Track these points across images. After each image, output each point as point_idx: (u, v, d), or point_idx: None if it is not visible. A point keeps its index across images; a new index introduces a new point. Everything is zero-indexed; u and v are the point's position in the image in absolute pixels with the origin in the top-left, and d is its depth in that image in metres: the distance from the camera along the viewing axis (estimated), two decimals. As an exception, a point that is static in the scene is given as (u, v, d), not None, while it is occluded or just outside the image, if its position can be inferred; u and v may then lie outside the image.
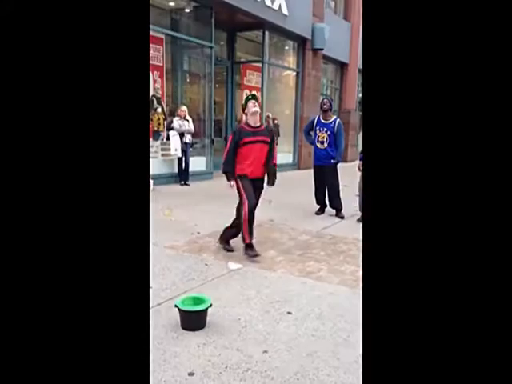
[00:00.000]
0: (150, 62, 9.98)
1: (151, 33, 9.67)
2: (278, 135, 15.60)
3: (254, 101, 5.41)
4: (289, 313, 3.74)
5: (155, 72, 10.77)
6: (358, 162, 7.56)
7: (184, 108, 10.72)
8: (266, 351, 3.09)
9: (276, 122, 15.46)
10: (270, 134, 5.55)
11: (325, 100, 8.09)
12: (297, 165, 15.75)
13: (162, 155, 10.77)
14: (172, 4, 11.92)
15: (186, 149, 10.73)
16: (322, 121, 7.86)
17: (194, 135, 11.14)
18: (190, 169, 11.03)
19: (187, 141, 10.75)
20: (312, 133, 8.02)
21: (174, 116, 10.82)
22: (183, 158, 10.82)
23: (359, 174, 7.51)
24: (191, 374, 2.76)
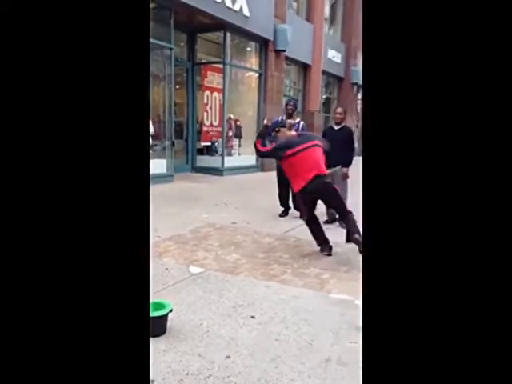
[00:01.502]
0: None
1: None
2: (241, 137, 15.59)
3: None
4: (252, 317, 3.67)
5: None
6: None
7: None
8: (228, 356, 3.01)
9: (238, 123, 15.44)
10: None
11: (290, 102, 8.01)
12: (260, 167, 15.70)
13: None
14: (131, 4, 11.78)
15: (146, 151, 10.61)
16: None
17: (153, 137, 11.02)
18: (150, 171, 10.85)
19: (148, 143, 10.63)
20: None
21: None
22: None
23: None
24: (151, 381, 2.67)
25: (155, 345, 3.12)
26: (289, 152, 5.49)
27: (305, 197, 5.63)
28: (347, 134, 7.30)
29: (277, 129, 6.12)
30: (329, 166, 7.23)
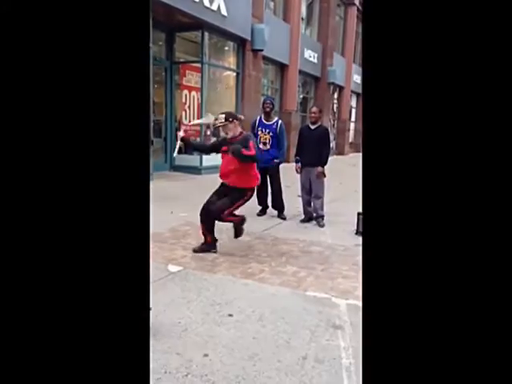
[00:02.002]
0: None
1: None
2: (219, 136, 15.53)
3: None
4: (230, 315, 3.69)
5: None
6: (294, 165, 7.59)
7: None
8: (206, 355, 3.03)
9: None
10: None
11: (267, 101, 8.01)
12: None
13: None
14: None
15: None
16: (264, 122, 7.81)
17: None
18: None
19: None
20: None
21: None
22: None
23: (298, 175, 7.60)
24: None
25: (133, 344, 3.11)
26: None
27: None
28: (323, 133, 7.36)
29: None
30: (304, 165, 7.29)
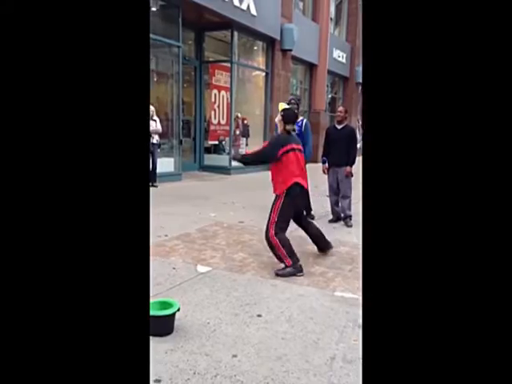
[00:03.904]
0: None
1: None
2: (248, 136, 15.57)
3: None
4: (258, 315, 3.70)
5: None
6: (322, 165, 7.56)
7: (151, 108, 10.56)
8: (235, 355, 3.04)
9: (246, 122, 15.43)
10: None
11: (292, 101, 7.92)
12: (267, 166, 15.67)
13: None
14: (139, 3, 11.78)
15: (153, 149, 10.55)
16: None
17: (161, 136, 11.01)
18: (158, 170, 10.86)
19: (155, 141, 10.58)
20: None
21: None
22: (151, 159, 10.61)
23: (326, 176, 7.58)
24: (158, 380, 2.70)
25: (163, 344, 3.15)
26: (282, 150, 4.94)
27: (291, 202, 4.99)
28: (350, 132, 7.36)
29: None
30: (331, 165, 7.26)
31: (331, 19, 20.40)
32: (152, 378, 2.71)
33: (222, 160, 14.21)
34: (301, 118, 7.85)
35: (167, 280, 4.43)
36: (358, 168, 7.67)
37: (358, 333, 3.40)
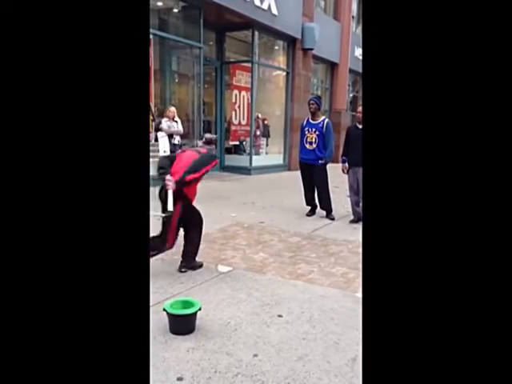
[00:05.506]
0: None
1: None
2: (269, 136, 15.58)
3: None
4: (279, 316, 3.70)
5: (144, 73, 10.66)
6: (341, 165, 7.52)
7: (173, 109, 10.59)
8: (256, 355, 3.06)
9: (266, 122, 15.45)
10: None
11: (311, 101, 7.92)
12: (287, 166, 15.69)
13: (151, 157, 10.58)
14: (160, 4, 11.84)
15: (174, 150, 10.60)
16: (311, 121, 7.75)
17: (183, 136, 11.05)
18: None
19: (176, 142, 10.61)
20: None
21: (162, 117, 10.69)
22: (172, 160, 10.64)
23: (346, 176, 7.52)
24: (180, 378, 2.73)
25: (184, 343, 3.18)
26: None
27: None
28: None
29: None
30: (352, 165, 7.22)
31: (353, 17, 20.30)
32: (174, 376, 2.75)
33: (242, 160, 14.23)
34: (322, 118, 7.81)
35: (189, 279, 4.47)
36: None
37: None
